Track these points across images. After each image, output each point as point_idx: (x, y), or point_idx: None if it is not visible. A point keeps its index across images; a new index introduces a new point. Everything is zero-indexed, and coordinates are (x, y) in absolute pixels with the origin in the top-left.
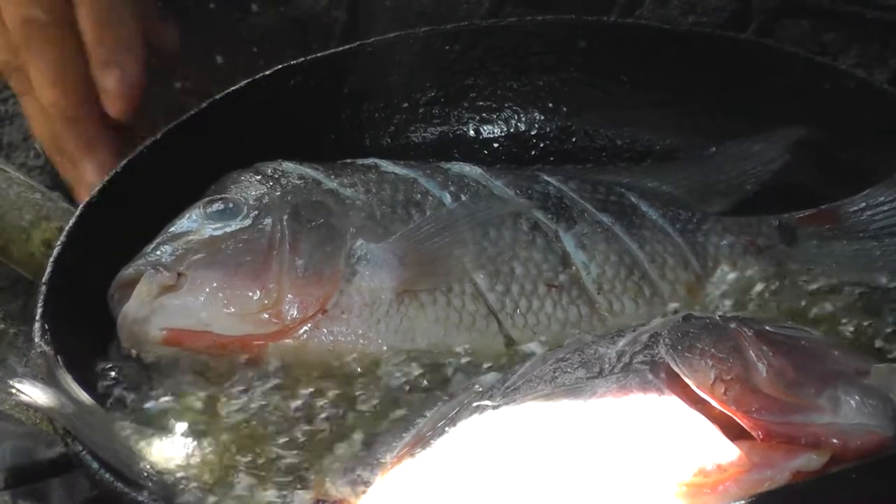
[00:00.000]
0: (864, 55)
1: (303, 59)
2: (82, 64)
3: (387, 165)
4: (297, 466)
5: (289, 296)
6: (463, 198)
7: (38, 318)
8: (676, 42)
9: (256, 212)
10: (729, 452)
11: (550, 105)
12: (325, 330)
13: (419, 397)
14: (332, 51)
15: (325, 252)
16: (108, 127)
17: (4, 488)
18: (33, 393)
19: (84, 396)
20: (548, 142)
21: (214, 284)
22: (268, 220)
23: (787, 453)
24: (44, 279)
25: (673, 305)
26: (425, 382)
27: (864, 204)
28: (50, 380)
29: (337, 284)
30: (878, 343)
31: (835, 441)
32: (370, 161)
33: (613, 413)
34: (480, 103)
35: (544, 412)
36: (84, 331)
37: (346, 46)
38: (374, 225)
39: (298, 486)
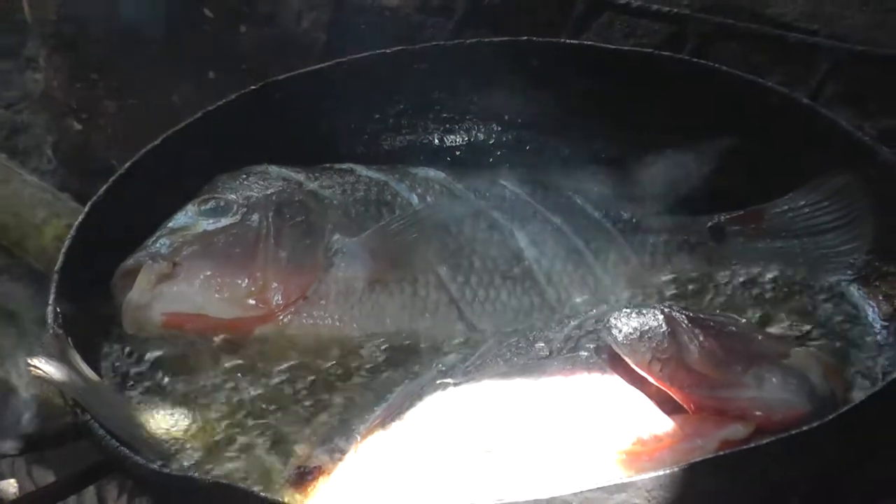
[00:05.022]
0: (788, 74)
1: (286, 75)
2: None
3: (361, 169)
4: (280, 436)
5: (273, 283)
6: (428, 199)
7: (50, 303)
8: (619, 61)
9: (245, 209)
10: (664, 424)
11: (506, 117)
12: (305, 314)
13: (389, 375)
14: (313, 67)
15: (306, 245)
16: None
17: (20, 454)
18: (47, 370)
19: (91, 373)
20: (504, 150)
21: (207, 273)
22: (255, 217)
23: (717, 424)
24: (56, 269)
25: (615, 296)
26: (394, 362)
27: (786, 206)
28: (61, 358)
29: (316, 274)
30: (797, 329)
31: (759, 414)
32: (346, 165)
33: (562, 389)
34: (444, 115)
35: (500, 389)
36: (91, 315)
37: (325, 64)
38: (349, 222)
39: (282, 454)
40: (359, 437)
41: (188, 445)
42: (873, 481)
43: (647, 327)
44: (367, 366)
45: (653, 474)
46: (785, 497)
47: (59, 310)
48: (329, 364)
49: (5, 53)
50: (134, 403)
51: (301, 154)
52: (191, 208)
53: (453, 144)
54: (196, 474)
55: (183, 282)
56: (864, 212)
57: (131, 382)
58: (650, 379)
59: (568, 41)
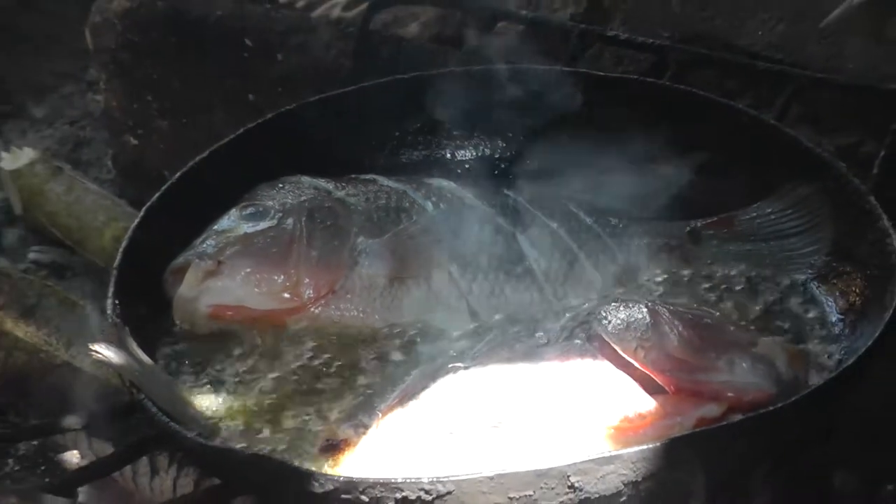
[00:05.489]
0: (756, 97)
1: (317, 97)
2: None
3: (382, 180)
4: (311, 413)
5: (305, 279)
6: (441, 206)
7: (110, 296)
8: (608, 86)
9: (281, 214)
10: (647, 403)
11: (510, 134)
12: (333, 306)
13: (406, 360)
14: (340, 90)
15: (334, 246)
16: None
17: (82, 428)
18: (107, 354)
19: (146, 358)
20: (507, 163)
21: (248, 270)
22: (289, 221)
23: (694, 404)
24: (114, 266)
25: (604, 291)
26: (411, 348)
27: (754, 213)
28: (119, 344)
29: (343, 271)
30: (764, 321)
31: (731, 395)
32: (369, 176)
33: (558, 372)
34: (455, 132)
35: (504, 372)
36: (145, 306)
37: (351, 87)
38: (371, 226)
39: (312, 429)
40: (380, 414)
41: (229, 421)
42: (830, 455)
43: (632, 319)
44: (387, 352)
45: (637, 448)
46: (753, 468)
47: (117, 301)
48: (354, 350)
49: (70, 77)
50: (182, 384)
51: (330, 166)
52: (233, 213)
53: (463, 158)
54: (236, 446)
55: (226, 278)
56: (823, 219)
57: (180, 366)
58: (635, 364)
59: (564, 68)
